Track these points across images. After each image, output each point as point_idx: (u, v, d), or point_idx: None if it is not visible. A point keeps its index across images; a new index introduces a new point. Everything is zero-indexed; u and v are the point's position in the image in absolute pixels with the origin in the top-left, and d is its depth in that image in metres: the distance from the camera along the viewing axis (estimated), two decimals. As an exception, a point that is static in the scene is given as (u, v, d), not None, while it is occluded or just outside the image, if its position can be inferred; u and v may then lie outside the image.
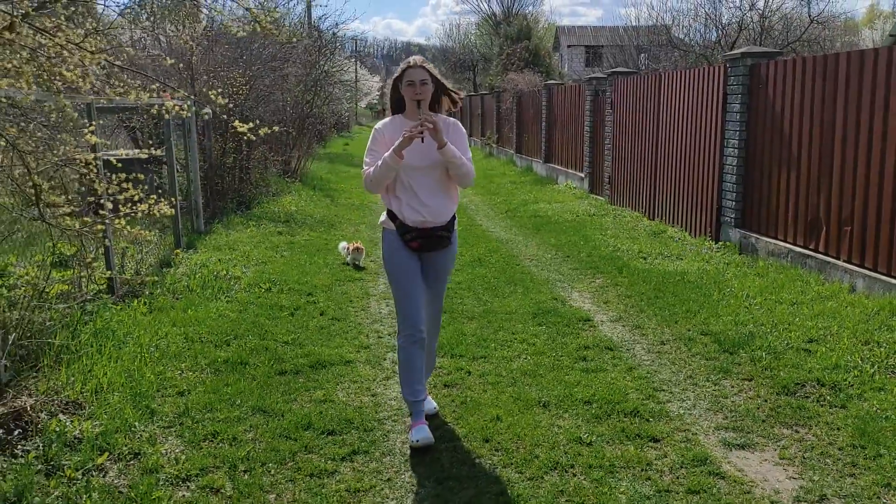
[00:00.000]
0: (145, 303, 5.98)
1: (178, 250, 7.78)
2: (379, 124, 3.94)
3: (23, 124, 3.45)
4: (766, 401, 4.20)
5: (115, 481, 3.40)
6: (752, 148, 7.86)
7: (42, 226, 5.32)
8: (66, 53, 3.53)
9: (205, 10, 11.96)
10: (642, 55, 28.76)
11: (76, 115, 3.50)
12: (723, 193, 8.34)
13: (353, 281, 7.35)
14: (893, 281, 5.70)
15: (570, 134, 14.89)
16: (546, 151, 16.86)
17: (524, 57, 30.97)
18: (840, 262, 6.36)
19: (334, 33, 19.58)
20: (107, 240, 5.72)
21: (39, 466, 3.42)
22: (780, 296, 6.05)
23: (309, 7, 19.59)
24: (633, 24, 30.39)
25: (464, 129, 3.94)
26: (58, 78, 3.28)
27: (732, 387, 4.44)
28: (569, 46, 50.55)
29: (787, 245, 7.15)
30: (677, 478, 3.39)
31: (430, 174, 3.82)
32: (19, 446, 3.61)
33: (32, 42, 3.45)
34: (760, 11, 25.49)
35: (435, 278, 3.99)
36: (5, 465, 3.42)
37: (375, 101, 59.57)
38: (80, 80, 3.14)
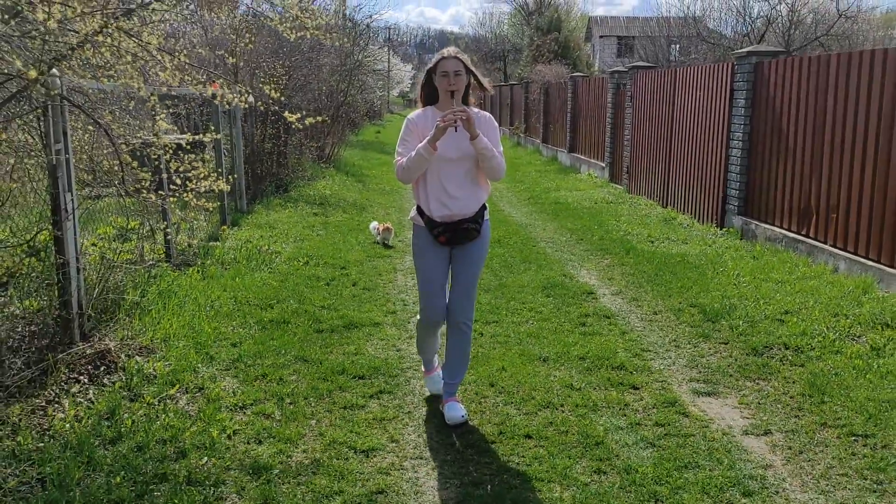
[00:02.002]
0: (198, 271, 6.76)
1: (225, 227, 8.57)
2: (412, 115, 3.97)
3: (117, 112, 4.18)
4: (736, 360, 4.85)
5: (186, 407, 4.15)
6: (755, 141, 8.43)
7: (96, 204, 6.11)
8: (144, 53, 4.26)
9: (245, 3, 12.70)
10: (673, 47, 29.06)
11: (156, 103, 4.23)
12: (728, 183, 8.92)
13: (382, 258, 8.07)
14: (869, 263, 6.28)
15: (593, 125, 15.46)
16: (570, 141, 17.44)
17: (553, 49, 31.43)
18: (827, 247, 6.95)
19: (368, 25, 20.26)
20: (167, 214, 6.51)
21: (124, 394, 4.19)
22: (769, 275, 6.66)
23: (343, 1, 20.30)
24: (665, 15, 30.69)
25: (496, 124, 3.98)
26: (140, 74, 4.00)
27: (709, 349, 5.09)
28: (601, 37, 50.78)
29: (783, 231, 7.73)
30: (648, 415, 4.06)
31: (461, 166, 3.84)
32: (105, 379, 4.38)
33: (124, 43, 4.17)
34: (789, 6, 25.72)
35: (465, 268, 3.98)
36: (97, 392, 4.19)
37: (408, 90, 60.17)
38: (170, 76, 3.86)
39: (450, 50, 3.90)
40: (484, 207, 3.97)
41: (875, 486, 3.34)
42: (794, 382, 4.46)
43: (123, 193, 4.57)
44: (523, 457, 3.61)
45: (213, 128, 6.73)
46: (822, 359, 4.77)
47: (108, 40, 3.92)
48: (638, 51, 34.20)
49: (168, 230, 6.70)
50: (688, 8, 29.44)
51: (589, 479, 3.39)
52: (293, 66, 13.14)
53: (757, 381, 4.53)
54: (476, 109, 3.91)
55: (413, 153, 3.77)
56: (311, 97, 15.16)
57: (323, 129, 16.73)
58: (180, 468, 3.43)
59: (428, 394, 4.37)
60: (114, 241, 6.45)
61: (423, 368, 4.47)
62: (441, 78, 3.81)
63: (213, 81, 6.28)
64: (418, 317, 4.18)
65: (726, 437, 3.81)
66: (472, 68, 3.86)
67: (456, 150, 3.79)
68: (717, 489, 3.29)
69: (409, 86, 58.53)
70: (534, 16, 39.83)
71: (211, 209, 5.30)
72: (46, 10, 3.49)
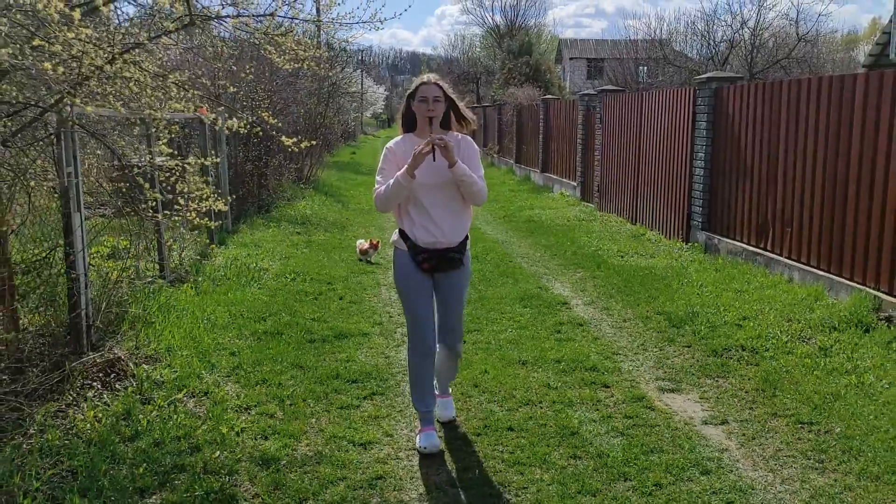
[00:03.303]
0: (192, 287, 7.09)
1: (213, 245, 8.90)
2: (390, 143, 3.93)
3: (127, 137, 4.54)
4: (697, 361, 5.31)
5: (194, 409, 4.49)
6: (716, 160, 8.97)
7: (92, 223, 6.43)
8: (149, 81, 4.63)
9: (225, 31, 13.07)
10: (642, 69, 29.91)
11: (164, 129, 4.60)
12: (692, 200, 9.44)
13: (366, 273, 8.45)
14: (820, 273, 6.80)
15: (565, 146, 16.02)
16: (543, 162, 17.99)
17: (525, 72, 32.15)
18: (782, 259, 7.46)
19: (345, 49, 20.73)
20: (161, 233, 6.85)
21: (137, 397, 4.52)
22: (729, 285, 7.16)
23: (319, 28, 20.75)
24: (633, 38, 31.57)
25: (476, 146, 3.94)
26: (155, 101, 4.37)
27: (674, 351, 5.54)
28: (571, 59, 51.79)
29: (742, 245, 8.25)
30: (619, 409, 4.48)
31: (442, 191, 3.79)
32: (117, 385, 4.71)
33: (129, 73, 4.54)
34: (751, 30, 26.68)
35: (449, 296, 3.95)
36: (111, 396, 4.52)
37: (381, 111, 60.62)
38: (182, 105, 4.24)
39: (430, 76, 3.87)
40: (466, 238, 3.95)
41: (817, 464, 3.78)
42: (749, 379, 4.92)
43: (128, 213, 4.91)
44: (507, 446, 4.01)
45: (198, 151, 7.12)
46: (775, 358, 5.23)
47: (120, 70, 4.29)
48: (607, 73, 35.04)
49: (162, 248, 7.03)
50: (654, 31, 30.14)
51: (566, 464, 3.80)
52: (274, 91, 13.54)
53: (716, 379, 4.98)
54: (455, 133, 3.89)
55: (391, 181, 3.72)
56: (291, 120, 15.55)
57: (301, 151, 17.13)
58: (196, 460, 3.78)
59: (423, 450, 3.93)
60: (107, 259, 6.77)
61: (418, 422, 4.09)
62: (420, 103, 3.79)
63: (201, 107, 6.65)
64: (408, 353, 4.02)
65: (688, 426, 4.24)
66: (453, 96, 3.86)
67: (436, 177, 3.75)
68: (679, 469, 3.71)
69: (383, 107, 59.07)
70: (505, 39, 40.67)
71: (212, 227, 5.61)
72: (64, 41, 3.84)
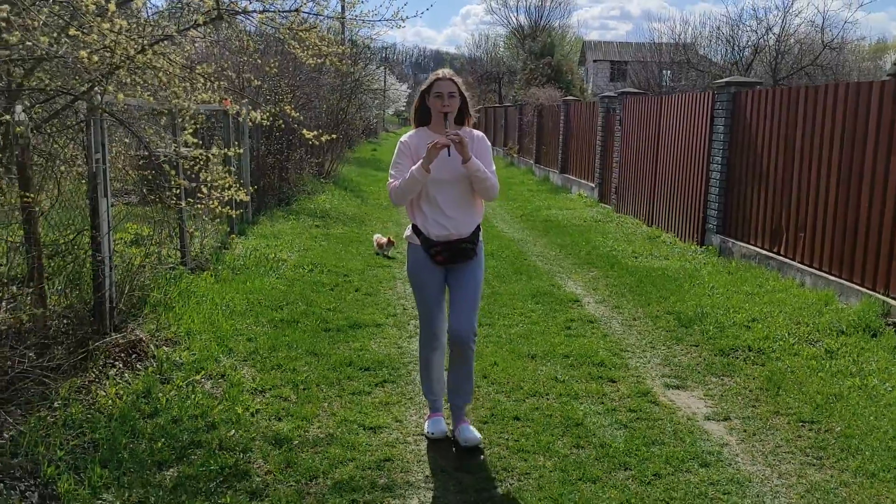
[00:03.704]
0: (212, 275, 7.26)
1: (233, 235, 9.08)
2: (404, 137, 3.97)
3: (154, 127, 4.71)
4: (704, 360, 5.39)
5: (211, 390, 4.65)
6: (732, 165, 9.02)
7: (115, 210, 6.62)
8: (177, 71, 4.79)
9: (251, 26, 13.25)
10: (665, 72, 29.85)
11: (190, 118, 4.76)
12: (708, 204, 9.50)
13: (382, 267, 8.59)
14: (831, 278, 6.85)
15: (584, 147, 16.08)
16: (562, 162, 18.05)
17: (546, 73, 32.18)
18: (795, 263, 7.51)
19: (368, 45, 20.90)
20: (184, 221, 7.03)
21: (157, 377, 4.68)
22: (740, 288, 7.22)
23: (343, 25, 20.95)
24: (657, 41, 31.50)
25: (489, 143, 3.98)
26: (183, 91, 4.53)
27: (681, 350, 5.63)
28: (594, 61, 51.70)
29: (756, 249, 8.30)
30: (623, 403, 4.58)
31: (455, 187, 3.85)
32: (138, 365, 4.88)
33: (158, 63, 4.70)
34: (777, 35, 26.55)
35: (463, 287, 3.96)
36: (132, 375, 4.69)
37: (403, 108, 60.79)
38: (209, 95, 4.40)
39: (445, 71, 3.92)
40: (478, 229, 3.99)
41: (815, 461, 3.86)
42: (754, 379, 5.00)
43: (153, 200, 5.08)
44: (512, 434, 4.13)
45: (220, 142, 7.29)
46: (781, 359, 5.31)
47: (150, 61, 4.45)
48: (630, 76, 34.99)
49: (184, 236, 7.21)
50: (679, 35, 30.06)
51: (568, 452, 3.91)
52: (296, 85, 13.73)
53: (721, 377, 5.06)
54: (469, 129, 3.93)
55: (406, 176, 3.77)
56: (313, 115, 15.74)
57: (323, 146, 17.32)
58: (212, 437, 3.93)
59: (430, 436, 4.06)
60: (130, 246, 6.96)
61: (427, 409, 4.26)
62: (435, 99, 3.82)
63: (226, 98, 6.82)
64: (419, 346, 4.13)
65: (690, 421, 4.33)
66: (465, 92, 3.88)
67: (449, 172, 3.80)
68: (679, 460, 3.81)
69: (405, 105, 59.27)
70: (528, 40, 40.70)
71: (233, 216, 5.77)
72: (99, 31, 4.00)
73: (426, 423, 4.16)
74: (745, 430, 4.22)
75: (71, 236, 5.02)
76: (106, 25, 3.36)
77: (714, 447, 3.99)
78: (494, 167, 3.94)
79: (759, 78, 25.44)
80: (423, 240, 3.93)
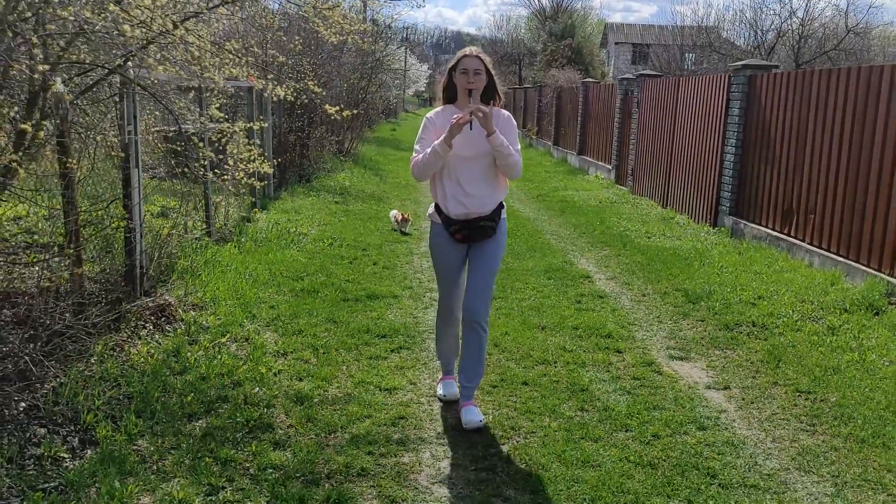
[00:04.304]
0: (235, 246, 7.51)
1: (256, 209, 9.34)
2: (430, 113, 4.02)
3: (183, 101, 4.94)
4: (709, 334, 5.58)
5: (236, 351, 4.91)
6: (746, 147, 9.14)
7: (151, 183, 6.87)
8: (208, 46, 5.01)
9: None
10: (688, 55, 29.70)
11: (218, 94, 4.99)
12: (721, 185, 9.62)
13: (400, 242, 8.82)
14: (839, 258, 6.99)
15: (602, 129, 16.18)
16: (580, 144, 18.15)
17: (566, 55, 32.11)
18: (804, 244, 7.65)
19: (389, 25, 21.04)
20: (209, 194, 7.28)
21: (185, 338, 4.95)
22: (749, 267, 7.38)
23: (364, 4, 21.10)
24: (680, 24, 31.33)
25: (514, 122, 3.99)
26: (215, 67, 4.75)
27: (687, 325, 5.82)
28: (616, 44, 51.40)
29: (767, 230, 8.44)
30: (628, 371, 4.79)
31: (477, 164, 3.87)
32: (167, 327, 5.14)
33: (191, 38, 4.92)
34: (800, 20, 26.35)
35: (481, 266, 3.99)
36: (161, 337, 4.95)
37: (423, 89, 60.75)
38: (239, 71, 4.62)
39: (472, 49, 3.96)
40: (501, 206, 4.02)
41: (809, 427, 4.06)
42: (756, 352, 5.18)
43: (181, 173, 5.32)
44: (520, 398, 4.35)
45: (244, 118, 7.53)
46: (783, 335, 5.49)
47: (184, 35, 4.66)
48: (652, 59, 34.84)
49: (209, 208, 7.47)
50: (702, 18, 29.90)
51: (573, 414, 4.12)
52: (318, 64, 13.92)
53: (724, 350, 5.25)
54: (497, 108, 3.93)
55: (429, 150, 3.80)
56: (334, 93, 15.94)
57: (343, 125, 17.53)
58: (238, 394, 4.18)
59: (442, 397, 4.28)
60: (156, 217, 7.23)
61: (440, 373, 4.48)
62: (461, 75, 3.84)
63: (251, 74, 7.02)
64: (437, 317, 4.26)
65: (691, 389, 4.53)
66: (492, 70, 3.89)
67: (472, 148, 3.82)
68: (677, 424, 4.01)
69: (425, 85, 59.26)
70: (549, 21, 40.55)
71: (258, 186, 6.00)
72: (138, 5, 4.21)
73: (438, 386, 4.39)
74: (743, 399, 4.42)
75: (105, 205, 5.27)
76: (147, 1, 3.57)
77: (712, 413, 4.19)
78: (519, 146, 3.94)
79: (782, 62, 25.33)
80: (443, 218, 3.99)
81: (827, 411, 4.23)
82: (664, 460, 3.63)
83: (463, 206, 3.89)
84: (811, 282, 6.71)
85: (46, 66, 3.60)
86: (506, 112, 3.98)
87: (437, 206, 4.04)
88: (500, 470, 3.55)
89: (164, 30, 4.26)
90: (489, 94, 3.91)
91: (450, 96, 4.01)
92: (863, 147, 6.83)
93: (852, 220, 6.91)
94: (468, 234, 3.95)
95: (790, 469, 3.61)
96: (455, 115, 3.75)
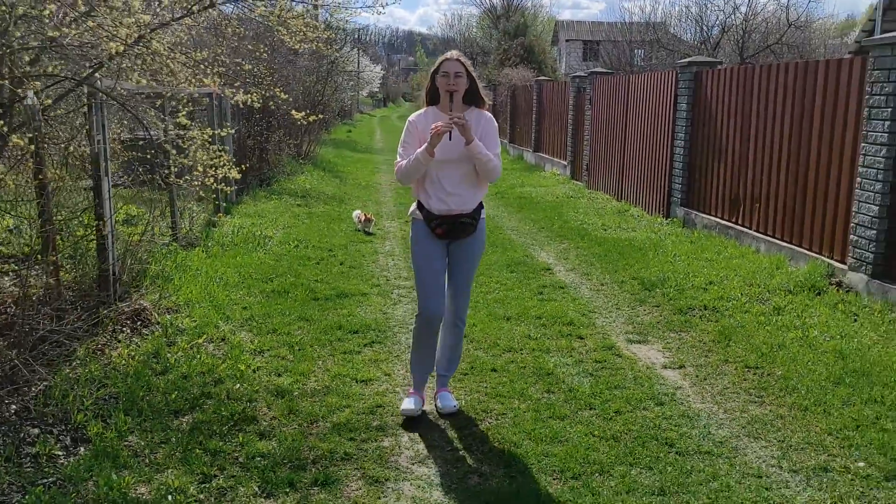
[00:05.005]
0: (203, 250, 7.64)
1: (220, 214, 9.45)
2: (412, 116, 4.11)
3: (154, 111, 5.08)
4: (664, 318, 5.90)
5: (214, 351, 5.07)
6: (695, 141, 9.54)
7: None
8: (176, 55, 5.16)
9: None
10: (637, 52, 30.33)
11: (185, 102, 5.14)
12: (672, 178, 10.01)
13: (365, 243, 9.01)
14: (783, 244, 7.39)
15: (557, 126, 16.55)
16: (535, 141, 18.52)
17: (519, 53, 32.55)
18: (751, 231, 8.05)
19: (343, 28, 21.16)
20: (174, 201, 7.39)
21: (163, 340, 5.09)
22: (701, 255, 7.75)
23: (317, 7, 21.23)
24: (628, 21, 31.97)
25: (495, 123, 4.10)
26: (170, 76, 4.90)
27: (644, 310, 6.14)
28: (567, 41, 52.08)
29: (716, 219, 8.84)
30: (590, 355, 5.08)
31: (458, 168, 3.97)
32: (144, 331, 5.28)
33: (159, 49, 5.06)
34: (744, 15, 27.14)
35: (461, 264, 4.11)
36: (140, 340, 5.09)
37: (377, 90, 60.69)
38: (210, 81, 4.79)
39: (453, 52, 4.06)
40: (481, 206, 4.12)
41: (757, 399, 4.39)
42: (708, 333, 5.52)
43: (148, 180, 5.45)
44: (490, 383, 4.60)
45: (205, 125, 7.66)
46: (733, 316, 5.83)
47: (148, 47, 4.81)
48: (602, 56, 35.47)
49: (175, 215, 7.58)
50: (649, 14, 30.58)
51: (540, 396, 4.39)
52: (275, 68, 14.01)
53: (679, 333, 5.58)
54: (478, 110, 4.05)
55: (412, 157, 3.93)
56: (291, 97, 16.01)
57: (301, 128, 17.61)
58: (220, 390, 4.36)
59: (405, 412, 4.11)
60: (121, 225, 7.32)
61: (410, 385, 4.33)
62: (442, 78, 3.95)
63: (214, 83, 7.13)
64: (416, 320, 4.16)
65: (649, 369, 4.84)
66: (472, 73, 4.02)
67: (452, 153, 3.92)
68: (637, 401, 4.31)
69: (379, 86, 59.26)
70: (501, 20, 40.98)
71: (228, 192, 6.15)
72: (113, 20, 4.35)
73: (407, 400, 4.18)
74: (696, 376, 4.74)
75: (77, 213, 5.39)
76: (131, 20, 3.73)
77: (669, 390, 4.50)
78: (499, 149, 4.06)
79: (727, 57, 26.08)
80: (425, 214, 4.07)
81: (773, 384, 4.57)
82: (626, 433, 3.92)
83: (445, 204, 4.00)
84: (758, 266, 7.09)
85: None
86: (488, 114, 4.11)
87: (419, 204, 4.12)
88: (475, 449, 3.80)
89: (131, 42, 4.42)
90: (472, 97, 4.06)
91: (432, 98, 4.11)
92: (802, 138, 7.24)
93: (794, 208, 7.32)
94: (449, 230, 4.03)
95: (740, 436, 3.92)
96: (434, 124, 3.87)
